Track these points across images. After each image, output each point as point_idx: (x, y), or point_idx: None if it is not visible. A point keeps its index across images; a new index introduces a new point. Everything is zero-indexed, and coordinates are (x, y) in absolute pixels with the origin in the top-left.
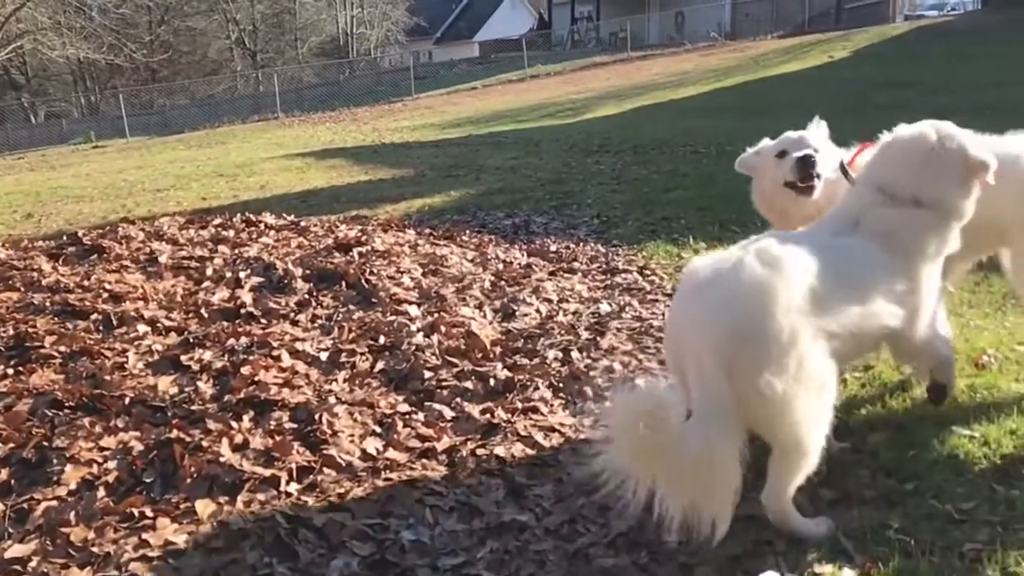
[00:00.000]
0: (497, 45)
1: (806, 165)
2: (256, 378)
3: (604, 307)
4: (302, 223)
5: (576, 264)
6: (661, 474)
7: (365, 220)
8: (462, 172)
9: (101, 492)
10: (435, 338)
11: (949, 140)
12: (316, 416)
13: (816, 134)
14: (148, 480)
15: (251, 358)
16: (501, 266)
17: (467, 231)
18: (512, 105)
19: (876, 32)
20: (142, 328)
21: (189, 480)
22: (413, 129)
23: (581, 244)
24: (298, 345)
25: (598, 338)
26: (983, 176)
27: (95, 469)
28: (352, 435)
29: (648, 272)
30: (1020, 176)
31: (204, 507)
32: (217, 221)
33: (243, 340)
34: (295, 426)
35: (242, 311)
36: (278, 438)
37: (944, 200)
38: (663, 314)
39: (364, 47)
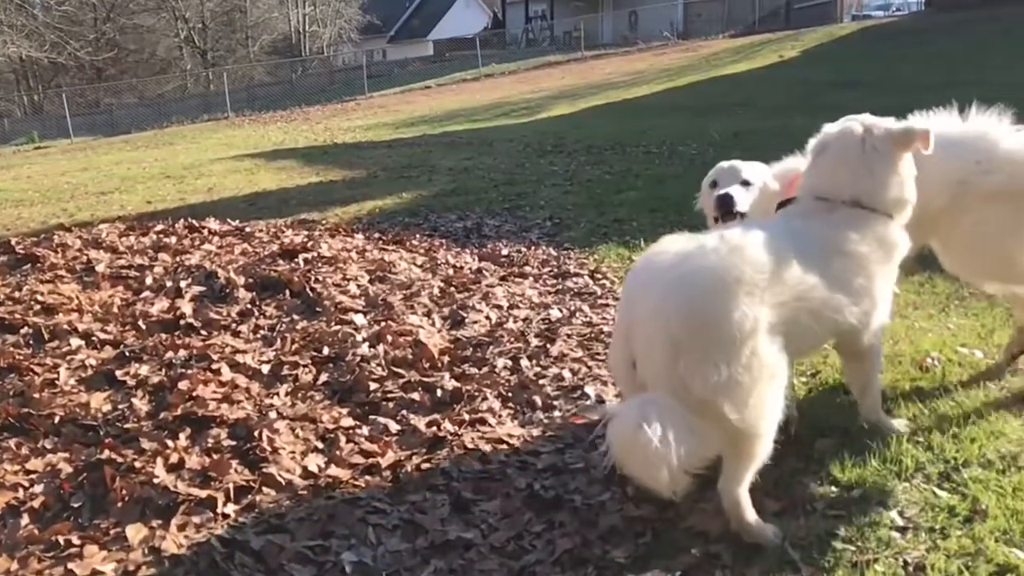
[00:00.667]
0: (451, 44)
1: (723, 204)
2: (194, 393)
3: (555, 313)
4: (247, 228)
5: (528, 268)
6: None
7: (313, 225)
8: (415, 173)
9: (25, 519)
10: (381, 348)
11: (875, 128)
12: (256, 433)
13: (750, 165)
14: (76, 505)
15: (189, 372)
16: (451, 271)
17: (417, 235)
18: (466, 104)
19: (825, 32)
20: (75, 342)
21: (120, 504)
22: (366, 129)
23: (533, 247)
24: (239, 357)
25: (548, 345)
26: (920, 146)
27: (20, 494)
28: (293, 452)
29: (599, 276)
30: (945, 165)
31: (135, 532)
32: (159, 227)
33: (182, 353)
34: (234, 443)
35: (182, 322)
36: (215, 456)
37: (885, 193)
38: (614, 319)
39: (317, 45)
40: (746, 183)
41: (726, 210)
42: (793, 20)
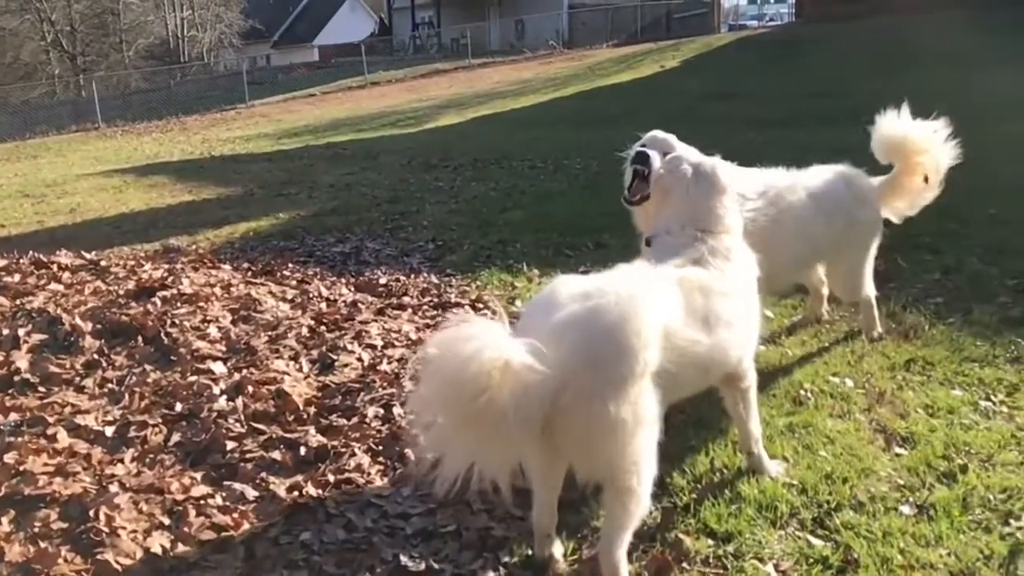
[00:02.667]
0: (338, 49)
1: (639, 158)
2: (23, 467)
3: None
4: (102, 263)
5: (406, 299)
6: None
7: (177, 254)
8: (294, 190)
9: None
10: (240, 401)
11: (701, 166)
12: (92, 511)
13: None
14: None
15: (19, 441)
16: (324, 306)
17: (291, 263)
18: (352, 113)
19: (703, 42)
20: None
21: None
22: (246, 140)
23: (413, 275)
24: (80, 419)
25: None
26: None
27: None
28: (135, 531)
29: (480, 306)
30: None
31: None
32: (1, 263)
33: (12, 417)
34: (65, 526)
35: (16, 378)
36: (43, 544)
37: (720, 221)
38: None
39: (197, 51)
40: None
41: (640, 163)
42: (673, 30)
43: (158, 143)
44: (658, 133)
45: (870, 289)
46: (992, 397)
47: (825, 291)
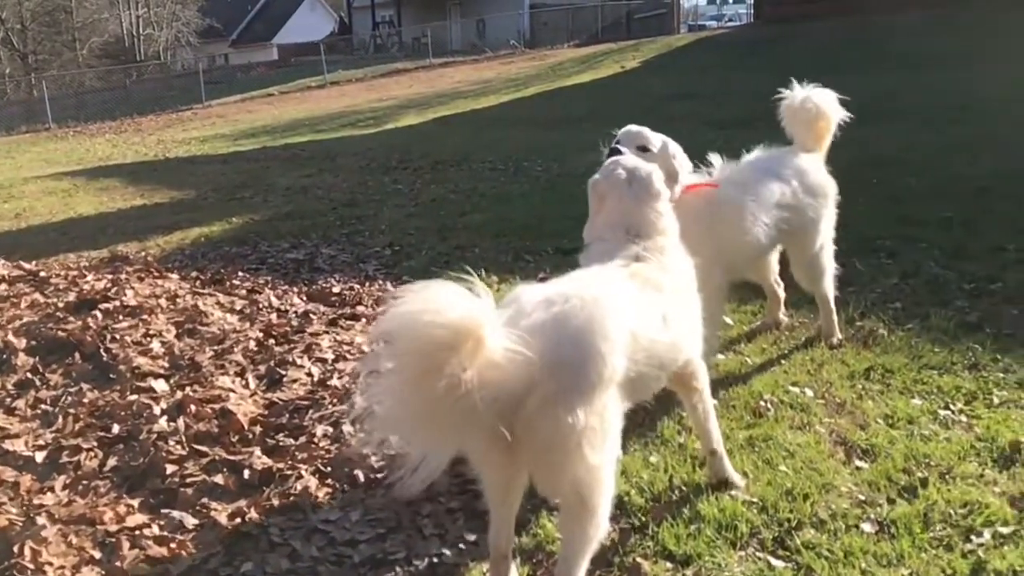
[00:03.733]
0: (297, 49)
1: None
2: None
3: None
4: (42, 273)
5: (360, 308)
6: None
7: (122, 263)
8: (248, 193)
9: None
10: (182, 421)
11: (637, 171)
12: (17, 547)
13: (656, 135)
14: None
15: None
16: (274, 317)
17: (241, 271)
18: (311, 113)
19: (663, 43)
20: None
21: None
22: (202, 141)
23: (368, 283)
24: (9, 444)
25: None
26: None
27: None
28: (63, 567)
29: None
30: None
31: None
32: None
33: None
34: None
35: None
36: None
37: (652, 226)
38: None
39: (153, 49)
40: (644, 148)
41: None
42: (634, 30)
43: (111, 144)
44: (632, 127)
45: (830, 287)
46: (951, 406)
47: (782, 294)
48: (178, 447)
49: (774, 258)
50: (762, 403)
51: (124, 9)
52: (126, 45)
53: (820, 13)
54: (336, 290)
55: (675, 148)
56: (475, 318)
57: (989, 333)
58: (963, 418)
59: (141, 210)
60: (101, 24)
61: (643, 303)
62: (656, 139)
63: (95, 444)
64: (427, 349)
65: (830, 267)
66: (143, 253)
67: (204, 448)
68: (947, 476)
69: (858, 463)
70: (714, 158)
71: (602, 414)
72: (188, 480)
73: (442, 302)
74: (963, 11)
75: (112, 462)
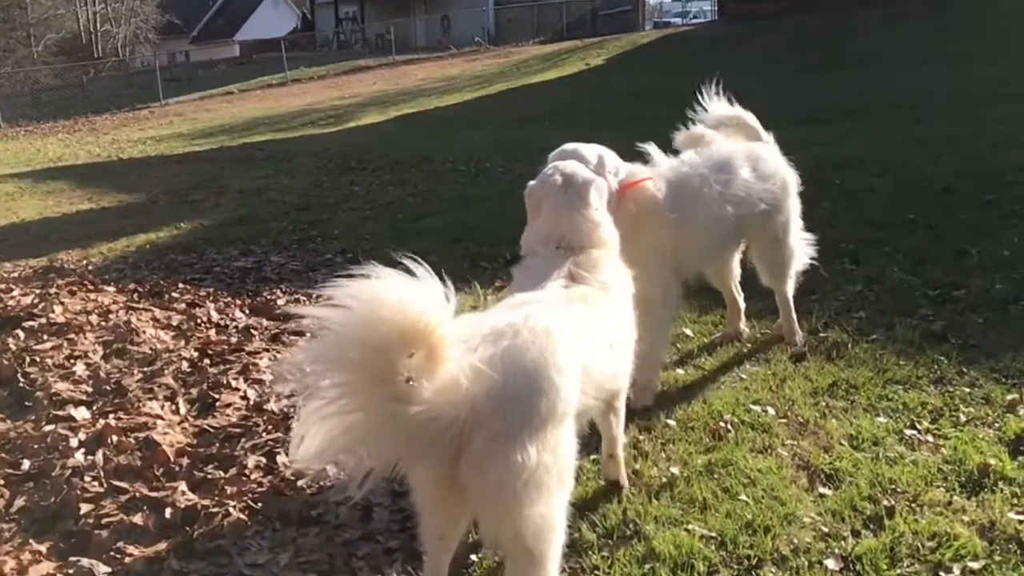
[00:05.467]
0: (259, 45)
1: None
2: None
3: None
4: None
5: (306, 322)
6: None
7: (56, 274)
8: (200, 197)
9: None
10: (100, 454)
11: (574, 178)
12: None
13: (591, 147)
14: None
15: None
16: (212, 333)
17: (183, 281)
18: (271, 112)
19: (628, 40)
20: None
21: None
22: (158, 140)
23: (316, 295)
24: None
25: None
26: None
27: None
28: None
29: None
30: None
31: None
32: None
33: None
34: None
35: None
36: None
37: (586, 236)
38: None
39: (111, 46)
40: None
41: None
42: (599, 27)
43: (64, 144)
44: (566, 147)
45: (790, 284)
46: (917, 424)
47: (743, 304)
48: (95, 484)
49: (735, 262)
50: (722, 424)
51: (81, 5)
52: (83, 42)
53: (784, 11)
54: (281, 302)
55: (613, 163)
56: (431, 319)
57: (954, 344)
58: (929, 438)
59: (88, 215)
60: (57, 20)
61: (592, 332)
62: (591, 154)
63: (2, 483)
64: (369, 352)
65: (793, 262)
66: (84, 262)
67: (124, 484)
68: (914, 504)
69: (822, 490)
70: (651, 148)
71: (556, 451)
72: (104, 521)
73: (394, 296)
74: (926, 10)
75: (20, 502)
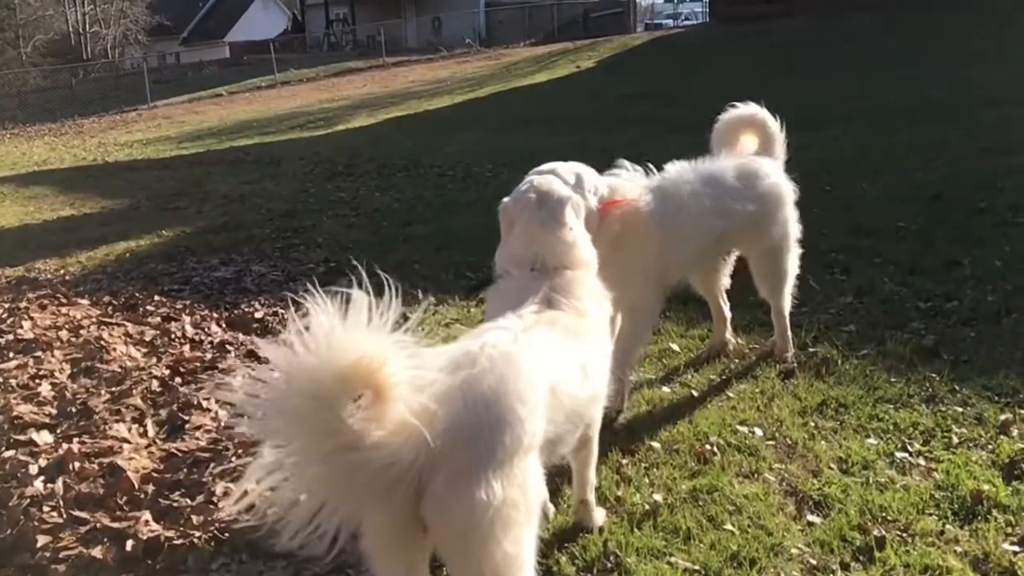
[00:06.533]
0: (249, 47)
1: None
2: None
3: None
4: None
5: (284, 337)
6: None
7: (29, 286)
8: (183, 203)
9: None
10: (61, 483)
11: (549, 195)
12: None
13: (570, 168)
14: None
15: None
16: (187, 349)
17: (160, 293)
18: (260, 114)
19: (619, 42)
20: None
21: None
22: (145, 144)
23: (295, 306)
24: None
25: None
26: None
27: None
28: None
29: None
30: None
31: None
32: None
33: None
34: None
35: None
36: None
37: (560, 257)
38: None
39: (100, 47)
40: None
41: None
42: (591, 29)
43: (50, 148)
44: (543, 167)
45: (786, 299)
46: (908, 447)
47: (728, 313)
48: (54, 514)
49: (723, 273)
50: (708, 446)
51: (70, 6)
52: (72, 43)
53: (776, 13)
54: (259, 315)
55: (592, 181)
56: (372, 359)
57: (946, 360)
58: (921, 461)
59: (68, 222)
60: (46, 21)
61: (562, 355)
62: (568, 174)
63: None
64: (308, 403)
65: (789, 276)
66: (61, 271)
67: (84, 514)
68: (905, 534)
69: (810, 517)
70: (623, 162)
71: (523, 485)
72: (62, 555)
73: (331, 343)
74: (918, 12)
75: None
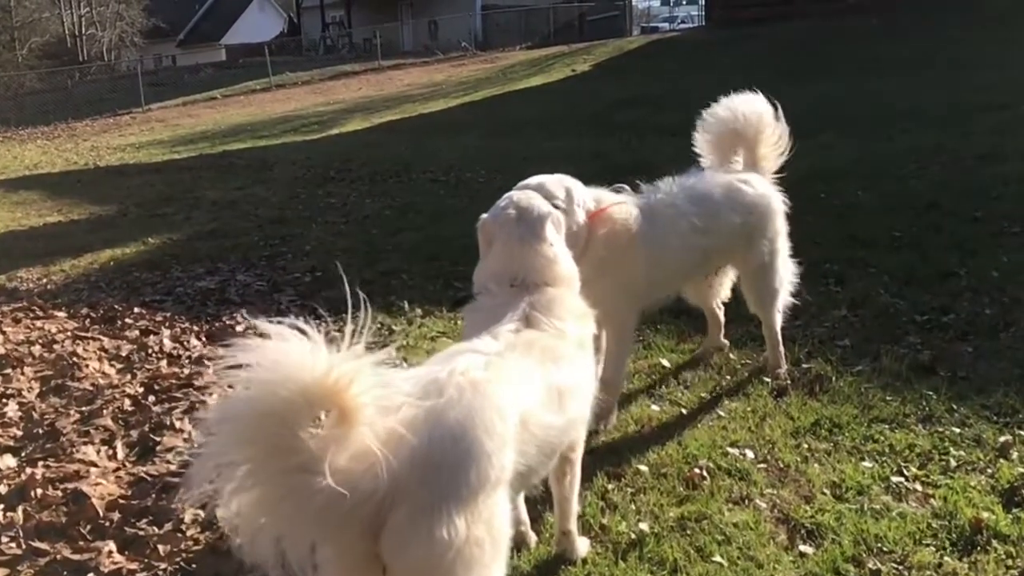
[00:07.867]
0: (246, 49)
1: None
2: None
3: None
4: None
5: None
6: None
7: (5, 298)
8: (172, 209)
9: None
10: (21, 511)
11: (529, 211)
12: None
13: (559, 181)
14: None
15: None
16: (164, 365)
17: (141, 304)
18: (254, 118)
19: (615, 46)
20: None
21: None
22: (138, 148)
23: (277, 319)
24: None
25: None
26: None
27: None
28: None
29: None
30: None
31: None
32: None
33: None
34: None
35: None
36: None
37: (546, 273)
38: None
39: (96, 49)
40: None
41: None
42: (586, 32)
43: (42, 151)
44: (531, 181)
45: (777, 314)
46: (904, 471)
47: (722, 318)
48: (12, 545)
49: (721, 285)
50: (697, 470)
51: (66, 8)
52: (68, 45)
53: (771, 16)
54: (240, 328)
55: (581, 195)
56: (341, 376)
57: (943, 377)
58: (918, 486)
59: (55, 228)
60: (42, 24)
61: (536, 383)
62: (558, 188)
63: None
64: (266, 418)
65: (779, 292)
66: (44, 280)
67: (44, 545)
68: (902, 567)
69: (802, 547)
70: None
71: (489, 522)
72: None
73: (296, 356)
74: (913, 17)
75: None
